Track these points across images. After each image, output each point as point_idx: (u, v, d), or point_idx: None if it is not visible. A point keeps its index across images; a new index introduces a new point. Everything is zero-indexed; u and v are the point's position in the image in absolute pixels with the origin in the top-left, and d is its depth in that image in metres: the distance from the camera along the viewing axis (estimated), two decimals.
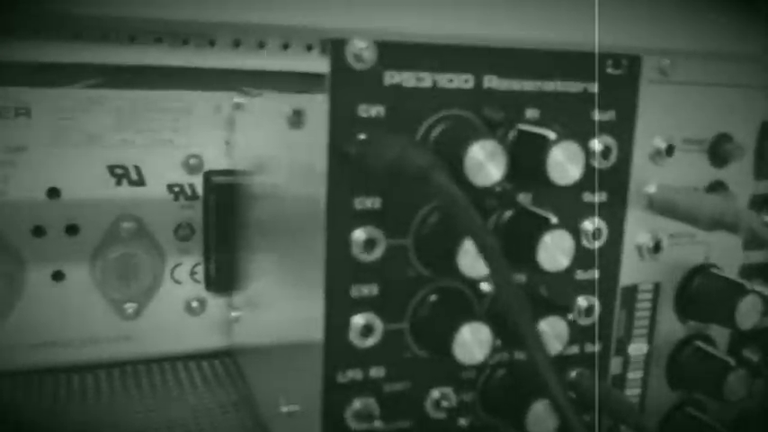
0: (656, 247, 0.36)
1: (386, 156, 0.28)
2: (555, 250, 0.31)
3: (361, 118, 0.30)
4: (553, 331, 0.32)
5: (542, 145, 0.31)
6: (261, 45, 0.50)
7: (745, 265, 0.40)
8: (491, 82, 0.32)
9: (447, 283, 0.33)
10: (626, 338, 0.37)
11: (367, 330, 0.32)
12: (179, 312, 0.53)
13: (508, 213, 0.33)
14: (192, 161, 0.51)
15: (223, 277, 0.52)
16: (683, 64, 0.36)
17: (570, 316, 0.34)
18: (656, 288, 0.38)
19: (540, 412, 0.33)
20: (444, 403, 0.34)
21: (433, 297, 0.33)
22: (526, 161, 0.31)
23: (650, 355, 0.38)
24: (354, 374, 0.32)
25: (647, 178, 0.36)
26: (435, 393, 0.34)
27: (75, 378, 0.50)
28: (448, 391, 0.34)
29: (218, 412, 0.47)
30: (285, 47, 0.51)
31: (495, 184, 0.29)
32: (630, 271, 0.36)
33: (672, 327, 0.38)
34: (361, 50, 0.30)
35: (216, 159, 0.51)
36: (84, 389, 0.49)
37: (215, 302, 0.53)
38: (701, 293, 0.37)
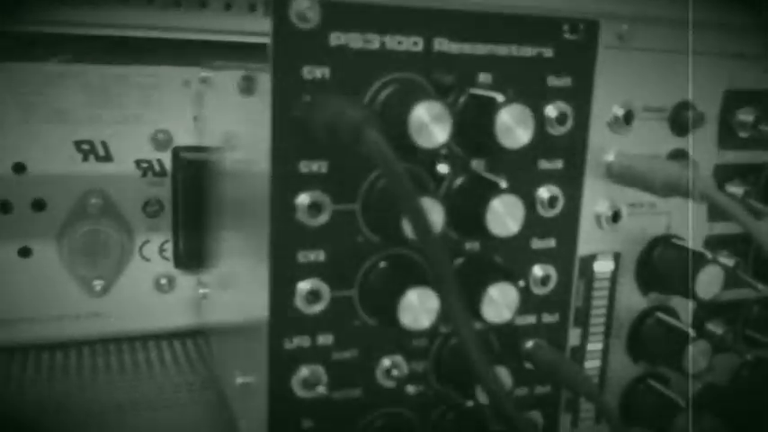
0: (615, 217, 0.36)
1: (324, 117, 0.28)
2: (504, 215, 0.31)
3: (305, 80, 0.29)
4: (504, 299, 0.32)
5: (490, 108, 0.30)
6: (202, 5, 0.49)
7: (710, 236, 0.39)
8: (442, 45, 0.31)
9: (397, 249, 0.32)
10: (584, 309, 0.37)
11: (314, 296, 0.31)
12: (148, 290, 0.53)
13: (460, 179, 0.33)
14: (160, 136, 0.50)
15: (192, 254, 0.51)
16: (642, 30, 0.35)
17: (521, 283, 0.34)
18: (616, 258, 0.37)
19: None
20: (395, 372, 0.33)
21: (382, 264, 0.32)
22: (475, 125, 0.31)
23: (610, 327, 0.37)
24: (301, 341, 0.32)
25: (606, 146, 0.35)
26: (386, 362, 0.33)
27: (44, 355, 0.50)
28: (399, 359, 0.33)
29: (184, 389, 0.47)
30: (228, 7, 0.50)
31: (440, 146, 0.29)
32: (589, 240, 0.36)
33: (632, 298, 0.38)
34: (306, 9, 0.29)
35: (184, 135, 0.51)
36: (53, 366, 0.49)
37: (184, 280, 0.53)
38: (661, 264, 0.37)
